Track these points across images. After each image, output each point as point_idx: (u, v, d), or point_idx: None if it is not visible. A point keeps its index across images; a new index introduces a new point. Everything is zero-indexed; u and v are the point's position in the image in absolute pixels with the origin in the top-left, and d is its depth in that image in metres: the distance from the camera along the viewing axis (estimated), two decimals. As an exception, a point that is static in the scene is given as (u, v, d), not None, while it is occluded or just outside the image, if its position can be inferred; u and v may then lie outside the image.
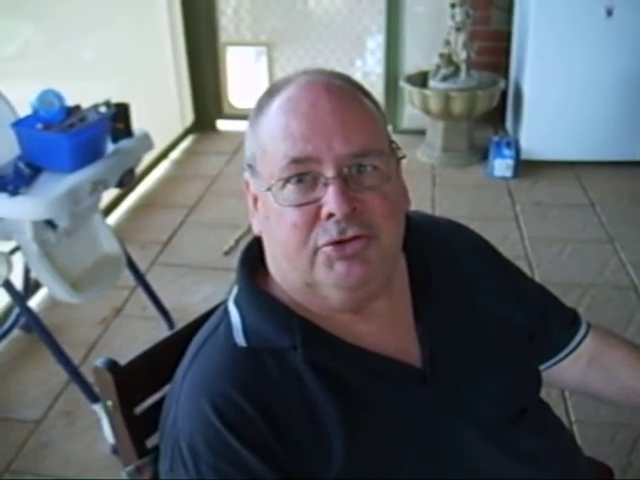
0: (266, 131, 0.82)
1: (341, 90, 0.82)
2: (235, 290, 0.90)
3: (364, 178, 0.80)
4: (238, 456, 0.77)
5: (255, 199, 0.87)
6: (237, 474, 0.78)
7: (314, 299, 0.85)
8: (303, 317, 0.85)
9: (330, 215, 0.77)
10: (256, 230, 0.89)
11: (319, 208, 0.78)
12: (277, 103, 0.82)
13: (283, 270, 0.86)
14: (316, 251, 0.79)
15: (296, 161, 0.78)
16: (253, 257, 0.91)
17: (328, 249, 0.79)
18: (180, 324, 1.02)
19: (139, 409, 0.96)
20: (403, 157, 0.86)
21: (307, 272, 0.81)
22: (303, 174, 0.79)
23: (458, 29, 3.58)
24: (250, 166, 0.86)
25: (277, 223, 0.81)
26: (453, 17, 3.57)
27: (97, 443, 1.97)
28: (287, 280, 0.86)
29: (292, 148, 0.78)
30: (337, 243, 0.78)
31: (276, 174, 0.79)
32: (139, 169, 2.49)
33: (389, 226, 0.81)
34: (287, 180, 0.79)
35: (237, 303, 0.88)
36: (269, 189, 0.80)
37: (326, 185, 0.78)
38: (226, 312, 0.89)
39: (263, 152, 0.82)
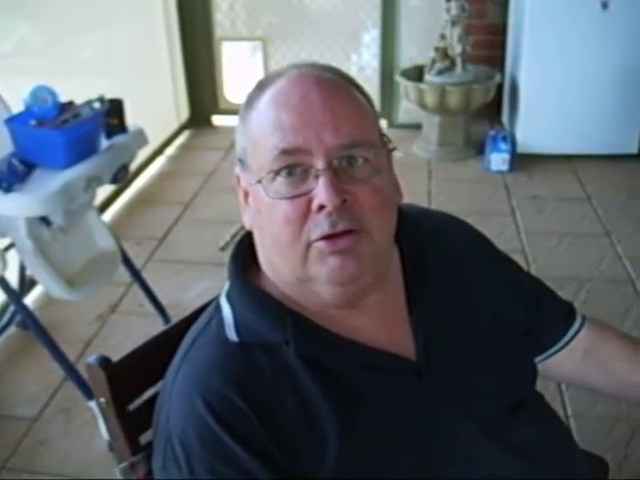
0: (256, 124, 0.81)
1: (332, 83, 0.82)
2: (227, 286, 0.90)
3: (355, 170, 0.79)
4: (231, 453, 0.77)
5: (246, 193, 0.87)
6: (230, 471, 0.77)
7: (306, 294, 0.84)
8: (295, 311, 0.84)
9: (321, 207, 0.77)
10: (247, 225, 0.88)
11: (310, 201, 0.78)
12: (267, 96, 0.81)
13: (275, 265, 0.86)
14: (309, 246, 0.79)
15: (286, 152, 0.78)
16: (244, 252, 0.90)
17: (320, 244, 0.78)
18: (176, 320, 1.02)
19: (133, 406, 0.96)
20: (394, 149, 0.86)
21: (300, 267, 0.81)
22: (293, 166, 0.78)
23: (454, 23, 3.58)
24: (241, 160, 0.85)
25: (268, 217, 0.81)
26: (448, 11, 3.57)
27: (94, 440, 1.97)
28: (279, 275, 0.86)
29: (282, 140, 0.78)
30: (329, 238, 0.78)
31: (266, 166, 0.79)
32: (134, 165, 2.48)
33: (380, 220, 0.81)
34: (277, 172, 0.78)
35: (229, 298, 0.88)
36: (259, 182, 0.80)
37: (317, 177, 0.77)
38: (218, 308, 0.88)
39: (253, 145, 0.82)
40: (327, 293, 0.82)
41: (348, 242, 0.78)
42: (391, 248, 0.88)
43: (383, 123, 4.02)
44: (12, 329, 2.41)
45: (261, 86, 0.84)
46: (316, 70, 0.83)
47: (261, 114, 0.81)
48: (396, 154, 0.86)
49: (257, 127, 0.81)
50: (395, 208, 0.86)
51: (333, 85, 0.82)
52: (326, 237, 0.78)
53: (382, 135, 0.84)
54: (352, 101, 0.82)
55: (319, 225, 0.78)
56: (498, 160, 3.61)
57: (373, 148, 0.81)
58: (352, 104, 0.82)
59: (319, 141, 0.77)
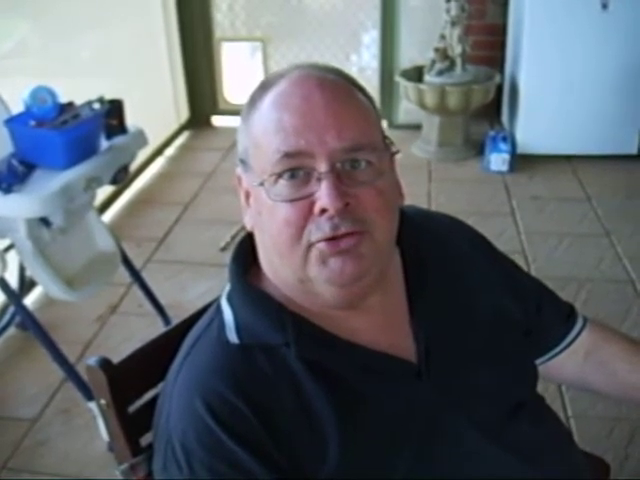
0: (258, 125, 0.81)
1: (334, 84, 0.81)
2: (227, 287, 0.90)
3: (357, 173, 0.79)
4: (231, 454, 0.77)
5: (247, 194, 0.86)
6: (230, 472, 0.77)
7: (307, 295, 0.84)
8: (296, 313, 0.84)
9: (323, 211, 0.77)
10: (248, 226, 0.88)
11: (312, 203, 0.77)
12: (270, 97, 0.81)
13: (275, 266, 0.85)
14: (309, 248, 0.79)
15: (288, 155, 0.77)
16: (245, 254, 0.90)
17: (321, 245, 0.78)
18: (176, 321, 1.01)
19: (133, 407, 0.96)
20: (397, 152, 0.85)
21: (300, 268, 0.81)
22: (296, 169, 0.78)
23: (453, 23, 3.58)
24: (242, 161, 0.85)
25: (269, 218, 0.80)
26: (448, 11, 3.57)
27: (94, 441, 1.97)
28: (279, 276, 0.86)
29: (284, 142, 0.77)
30: (330, 239, 0.78)
31: (268, 169, 0.79)
32: (134, 166, 2.48)
33: (383, 221, 0.80)
34: (280, 175, 0.78)
35: (229, 300, 0.88)
36: (261, 184, 0.80)
37: (319, 180, 0.77)
38: (219, 309, 0.88)
39: (255, 147, 0.81)
40: (328, 294, 0.82)
41: (349, 242, 0.78)
42: (393, 249, 0.88)
43: (383, 124, 4.02)
44: (12, 330, 2.41)
45: (263, 87, 0.83)
46: (318, 71, 0.83)
47: (263, 115, 0.81)
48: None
49: (259, 128, 0.81)
50: (397, 210, 0.86)
51: (336, 87, 0.81)
52: (327, 239, 0.78)
53: (384, 137, 0.84)
54: (355, 103, 0.82)
55: (320, 228, 0.77)
56: (498, 160, 3.60)
57: (376, 151, 0.80)
58: (355, 106, 0.81)
59: (322, 144, 0.77)
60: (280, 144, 0.78)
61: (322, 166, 0.77)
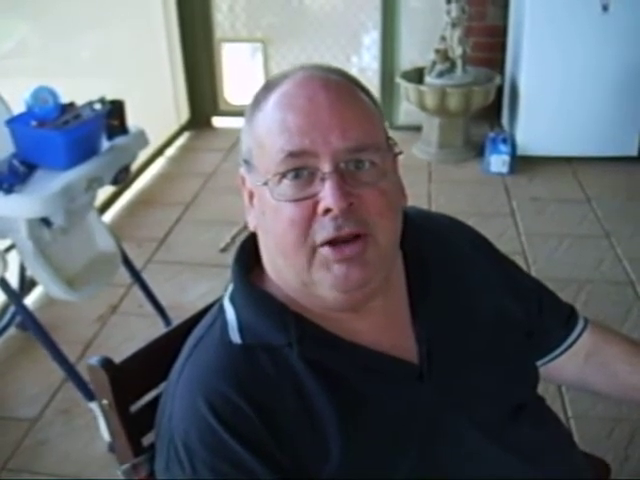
0: (262, 126, 0.81)
1: (338, 85, 0.82)
2: (230, 287, 0.90)
3: (361, 174, 0.79)
4: (234, 454, 0.77)
5: (251, 194, 0.86)
6: (233, 472, 0.77)
7: (310, 297, 0.84)
8: (298, 314, 0.84)
9: (327, 211, 0.77)
10: (252, 226, 0.88)
11: (316, 203, 0.78)
12: (274, 98, 0.81)
13: (279, 267, 0.85)
14: (314, 251, 0.79)
15: (293, 155, 0.77)
16: (248, 254, 0.90)
17: (325, 250, 0.78)
18: (176, 321, 1.02)
19: (135, 407, 0.96)
20: (400, 153, 0.86)
21: (304, 271, 0.81)
22: (300, 169, 0.78)
23: (454, 25, 3.58)
24: (246, 161, 0.85)
25: (273, 219, 0.81)
26: (449, 13, 3.57)
27: (94, 441, 1.97)
28: (282, 277, 0.86)
29: (288, 142, 0.78)
30: (335, 244, 0.78)
31: (272, 169, 0.79)
32: (135, 166, 2.48)
33: (386, 223, 0.81)
34: (284, 175, 0.78)
35: (232, 300, 0.88)
36: (265, 184, 0.80)
37: (323, 180, 0.77)
38: (221, 309, 0.88)
39: (259, 147, 0.82)
40: (331, 297, 0.82)
41: (354, 250, 0.78)
42: (396, 251, 0.88)
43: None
44: (12, 330, 2.40)
45: (267, 87, 0.83)
46: (322, 72, 0.83)
47: (267, 116, 0.81)
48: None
49: (263, 129, 0.81)
50: (400, 211, 0.86)
51: (340, 88, 0.82)
52: (332, 242, 0.78)
53: (388, 138, 0.84)
54: (359, 104, 0.82)
55: (324, 228, 0.78)
56: (498, 162, 3.61)
57: (380, 151, 0.80)
58: (359, 107, 0.82)
59: (326, 144, 0.77)
60: (284, 144, 0.78)
61: (326, 166, 0.77)
